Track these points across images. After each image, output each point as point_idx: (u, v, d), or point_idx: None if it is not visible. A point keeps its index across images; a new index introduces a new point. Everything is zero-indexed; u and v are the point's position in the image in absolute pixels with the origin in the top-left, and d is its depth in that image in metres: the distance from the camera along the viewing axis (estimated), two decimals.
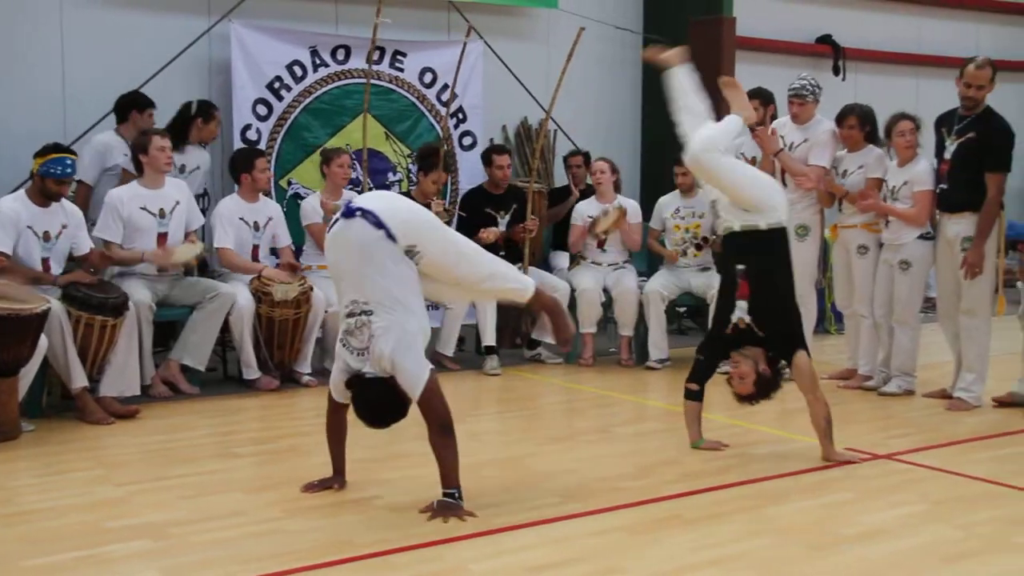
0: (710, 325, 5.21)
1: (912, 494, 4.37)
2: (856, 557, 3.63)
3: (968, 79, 5.83)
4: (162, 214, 6.26)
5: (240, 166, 6.79)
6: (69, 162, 5.69)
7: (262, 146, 7.73)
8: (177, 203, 6.34)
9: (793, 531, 3.89)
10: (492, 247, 7.35)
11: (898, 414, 5.86)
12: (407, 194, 6.95)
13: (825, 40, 10.65)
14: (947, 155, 5.94)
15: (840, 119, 6.59)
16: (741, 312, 4.81)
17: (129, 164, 6.48)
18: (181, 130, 6.95)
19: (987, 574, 3.49)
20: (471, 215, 7.47)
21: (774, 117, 7.09)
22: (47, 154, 5.65)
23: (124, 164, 6.65)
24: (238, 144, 7.53)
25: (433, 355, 7.24)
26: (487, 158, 7.67)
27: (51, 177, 5.63)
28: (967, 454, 5.02)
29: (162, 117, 7.00)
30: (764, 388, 4.80)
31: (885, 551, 3.68)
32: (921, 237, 6.14)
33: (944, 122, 6.04)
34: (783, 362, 4.84)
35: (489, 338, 7.16)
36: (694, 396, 5.03)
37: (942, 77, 9.47)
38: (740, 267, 4.85)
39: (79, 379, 5.51)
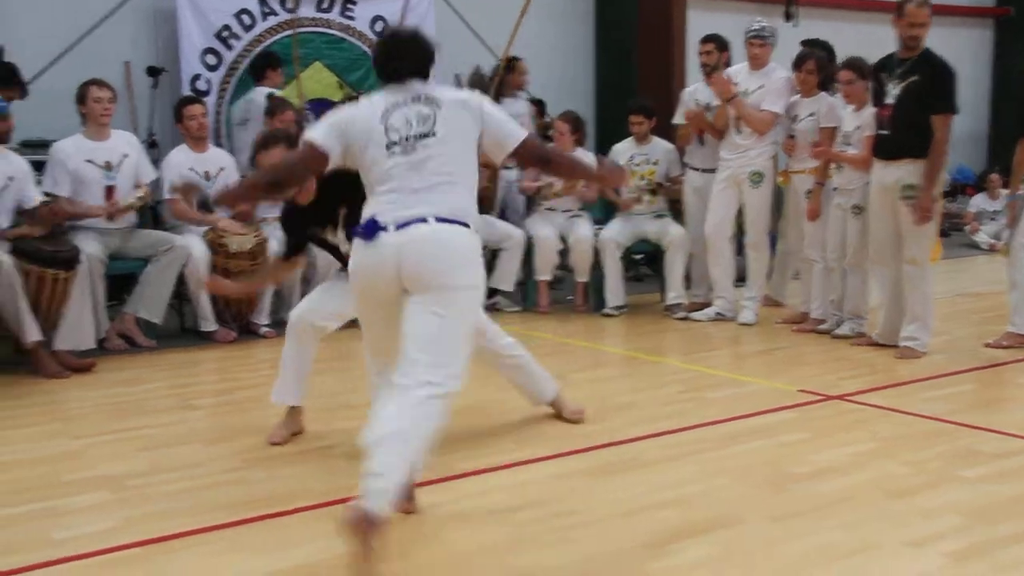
0: None
1: (861, 433, 4.47)
2: (806, 495, 3.72)
3: (910, 17, 5.71)
4: (109, 167, 6.18)
5: (175, 116, 6.72)
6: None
7: (211, 97, 7.64)
8: (125, 156, 6.25)
9: (746, 471, 3.97)
10: None
11: (849, 356, 5.96)
12: None
13: None
14: (889, 99, 5.80)
15: (798, 63, 6.61)
16: None
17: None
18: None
19: (932, 506, 3.59)
20: None
21: (728, 64, 7.10)
22: None
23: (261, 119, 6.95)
24: (187, 94, 7.43)
25: None
26: None
27: None
28: (915, 394, 5.12)
29: (107, 70, 6.87)
30: None
31: (835, 487, 3.78)
32: None
33: (883, 67, 5.90)
34: None
35: None
36: None
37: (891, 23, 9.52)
38: None
39: (32, 333, 5.46)
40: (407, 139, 3.21)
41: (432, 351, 3.07)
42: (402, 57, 3.34)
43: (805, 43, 7.27)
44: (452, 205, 3.18)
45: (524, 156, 3.43)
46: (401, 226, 3.13)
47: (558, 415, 4.65)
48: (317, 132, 3.25)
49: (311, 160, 3.25)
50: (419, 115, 3.24)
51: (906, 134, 5.73)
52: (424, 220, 3.13)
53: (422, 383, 3.02)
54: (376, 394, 3.40)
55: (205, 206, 3.35)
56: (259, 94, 7.30)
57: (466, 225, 3.20)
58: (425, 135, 3.22)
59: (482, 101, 3.33)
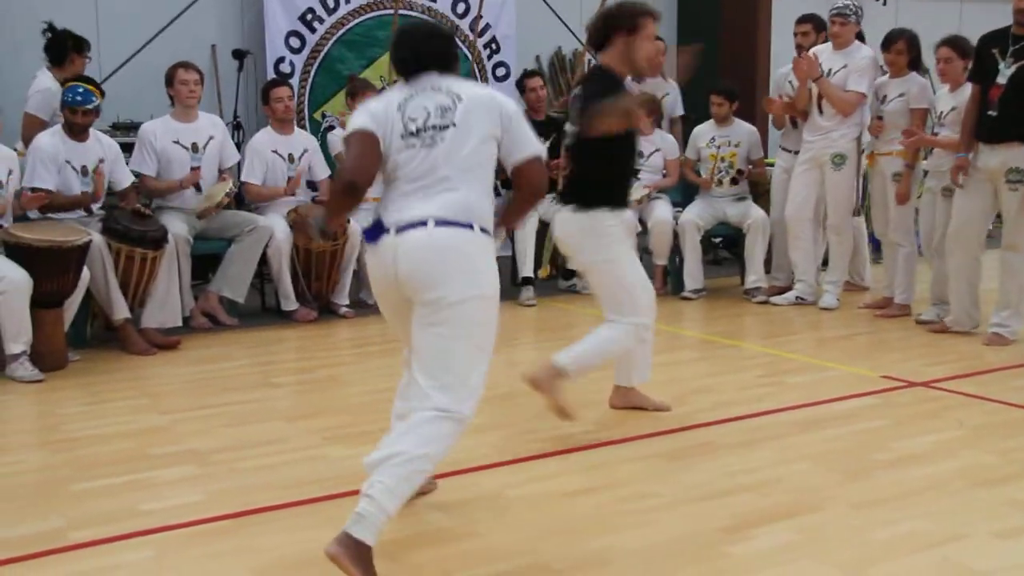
0: None
1: (948, 421, 4.37)
2: (889, 482, 3.65)
3: None
4: (195, 148, 6.31)
5: (262, 98, 6.83)
6: (81, 90, 5.68)
7: (295, 79, 7.74)
8: (211, 138, 6.38)
9: (826, 457, 3.92)
10: None
11: (934, 342, 5.83)
12: None
13: None
14: (1001, 79, 5.50)
15: (888, 43, 6.45)
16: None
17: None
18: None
19: (1022, 497, 3.49)
20: None
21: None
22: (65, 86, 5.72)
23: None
24: (272, 77, 7.54)
25: None
26: (520, 85, 7.58)
27: (68, 106, 5.66)
28: (1005, 381, 4.99)
29: (194, 53, 6.99)
30: None
31: (918, 476, 3.70)
32: None
33: (994, 43, 5.59)
34: None
35: (526, 269, 7.17)
36: None
37: (986, 0, 9.24)
38: None
39: (121, 311, 5.60)
40: (425, 129, 3.01)
41: (437, 375, 2.89)
42: (415, 48, 3.14)
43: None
44: (459, 205, 2.95)
45: (519, 176, 3.11)
46: (401, 229, 2.93)
47: (623, 400, 4.56)
48: (358, 120, 3.07)
49: (370, 146, 3.02)
50: (438, 105, 3.03)
51: (1017, 116, 5.47)
52: (424, 223, 2.92)
53: (430, 408, 2.86)
54: (403, 383, 3.38)
55: (325, 235, 3.32)
56: None
57: (470, 227, 2.95)
58: (445, 127, 3.00)
59: (503, 103, 3.09)
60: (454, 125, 3.01)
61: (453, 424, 2.88)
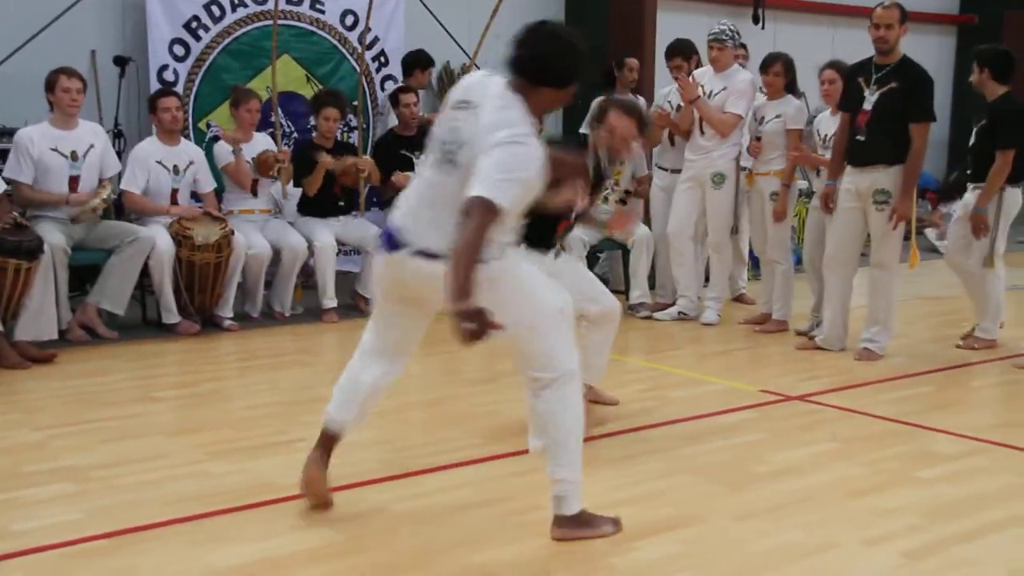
0: None
1: (821, 433, 4.53)
2: (768, 493, 3.77)
3: (876, 19, 5.75)
4: (74, 156, 6.13)
5: (149, 107, 6.68)
6: None
7: (179, 88, 7.59)
8: (91, 146, 6.20)
9: (708, 470, 4.02)
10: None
11: (809, 357, 6.03)
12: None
13: None
14: (867, 106, 5.76)
15: (765, 66, 6.66)
16: None
17: None
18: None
19: (889, 506, 3.65)
20: (387, 160, 7.36)
21: (700, 65, 7.16)
22: None
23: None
24: (155, 86, 7.38)
25: (352, 295, 7.24)
26: (394, 99, 7.59)
27: None
28: (874, 395, 5.19)
29: (73, 58, 6.81)
30: None
31: (795, 487, 3.83)
32: None
33: (860, 72, 5.88)
34: None
35: None
36: None
37: (859, 27, 9.61)
38: None
39: None
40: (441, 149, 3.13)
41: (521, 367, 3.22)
42: (518, 44, 3.07)
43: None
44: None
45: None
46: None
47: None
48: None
49: None
50: (452, 128, 3.10)
51: (882, 140, 5.71)
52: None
53: (531, 390, 3.22)
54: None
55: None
56: None
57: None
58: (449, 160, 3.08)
59: (484, 103, 3.01)
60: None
61: (561, 386, 3.15)
